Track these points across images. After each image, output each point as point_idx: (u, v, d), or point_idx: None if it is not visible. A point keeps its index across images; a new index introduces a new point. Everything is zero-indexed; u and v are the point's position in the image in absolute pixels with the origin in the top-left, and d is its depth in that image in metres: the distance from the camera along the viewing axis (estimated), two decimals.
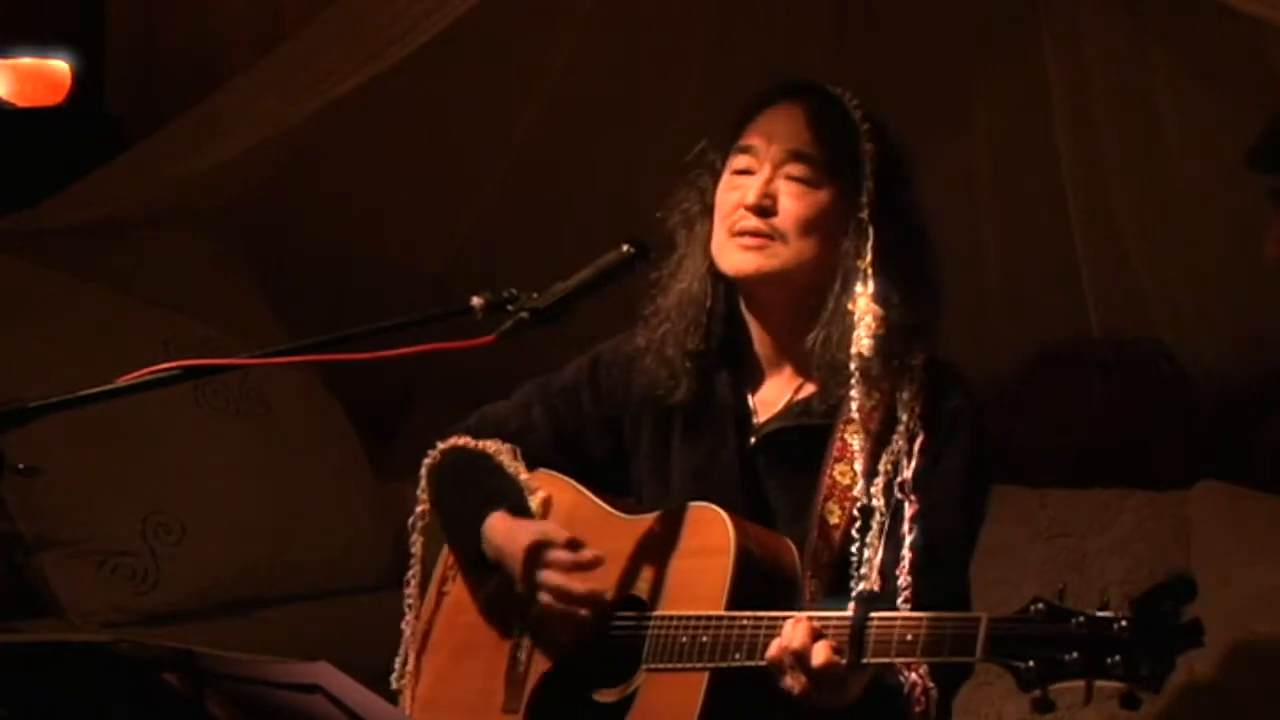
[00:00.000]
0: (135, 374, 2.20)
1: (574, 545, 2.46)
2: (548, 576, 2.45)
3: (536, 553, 2.46)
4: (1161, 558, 3.53)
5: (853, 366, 2.43)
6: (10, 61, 4.12)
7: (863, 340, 2.42)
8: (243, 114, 3.85)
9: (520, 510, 2.55)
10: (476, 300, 2.34)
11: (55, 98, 4.14)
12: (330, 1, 3.81)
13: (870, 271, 2.43)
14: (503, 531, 2.52)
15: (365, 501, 3.89)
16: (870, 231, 2.44)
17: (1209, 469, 3.69)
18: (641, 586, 2.46)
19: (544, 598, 2.45)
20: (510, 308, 2.34)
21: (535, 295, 2.36)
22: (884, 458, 2.43)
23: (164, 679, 1.98)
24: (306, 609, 3.73)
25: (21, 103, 4.12)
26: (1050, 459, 3.92)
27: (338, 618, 3.60)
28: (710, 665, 2.33)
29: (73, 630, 3.51)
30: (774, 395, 2.55)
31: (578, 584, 2.43)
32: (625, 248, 2.46)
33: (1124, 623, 2.01)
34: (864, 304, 2.42)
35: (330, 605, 3.69)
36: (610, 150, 4.02)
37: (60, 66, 4.15)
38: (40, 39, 4.13)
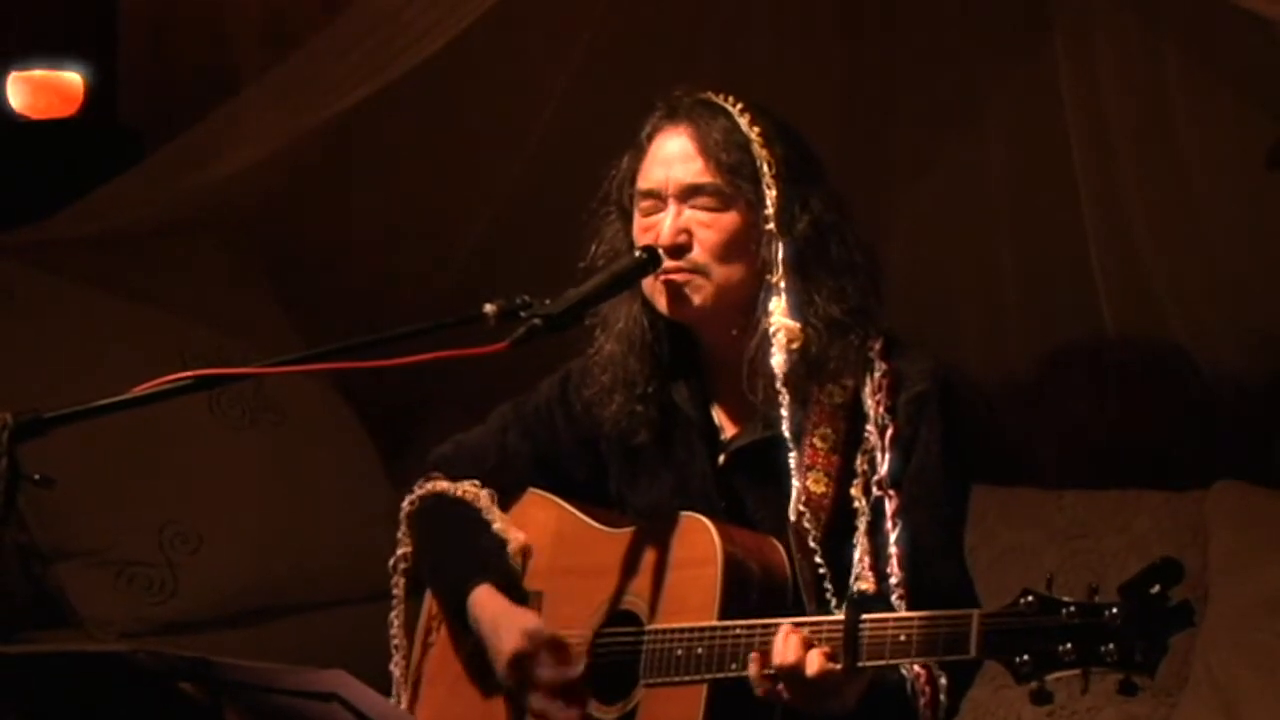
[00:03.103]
0: (150, 384, 2.21)
1: (555, 647, 2.44)
2: (534, 701, 2.44)
3: (520, 665, 2.44)
4: (1179, 558, 3.52)
5: (778, 385, 2.40)
6: (23, 74, 4.13)
7: (777, 357, 2.39)
8: (255, 124, 3.85)
9: (504, 571, 2.54)
10: (489, 307, 2.34)
11: (68, 109, 4.16)
12: (342, 10, 3.82)
13: (782, 285, 2.41)
14: (487, 617, 2.50)
15: (381, 509, 3.88)
16: (778, 242, 2.41)
17: (1226, 469, 3.68)
18: (633, 601, 2.45)
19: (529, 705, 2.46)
20: (523, 314, 2.33)
21: (548, 302, 2.35)
22: (858, 457, 2.40)
23: (181, 688, 1.99)
24: (323, 617, 3.74)
25: (35, 115, 4.13)
26: (1066, 460, 3.92)
27: (354, 626, 3.60)
28: (708, 677, 2.32)
29: (90, 640, 3.52)
30: (735, 406, 2.52)
31: (559, 713, 2.43)
32: (638, 253, 2.46)
33: (1114, 609, 2.02)
34: (777, 320, 2.40)
35: (346, 613, 3.69)
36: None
37: (73, 78, 4.16)
38: (53, 51, 4.14)
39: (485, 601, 2.52)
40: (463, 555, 2.58)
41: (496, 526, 2.59)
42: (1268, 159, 2.95)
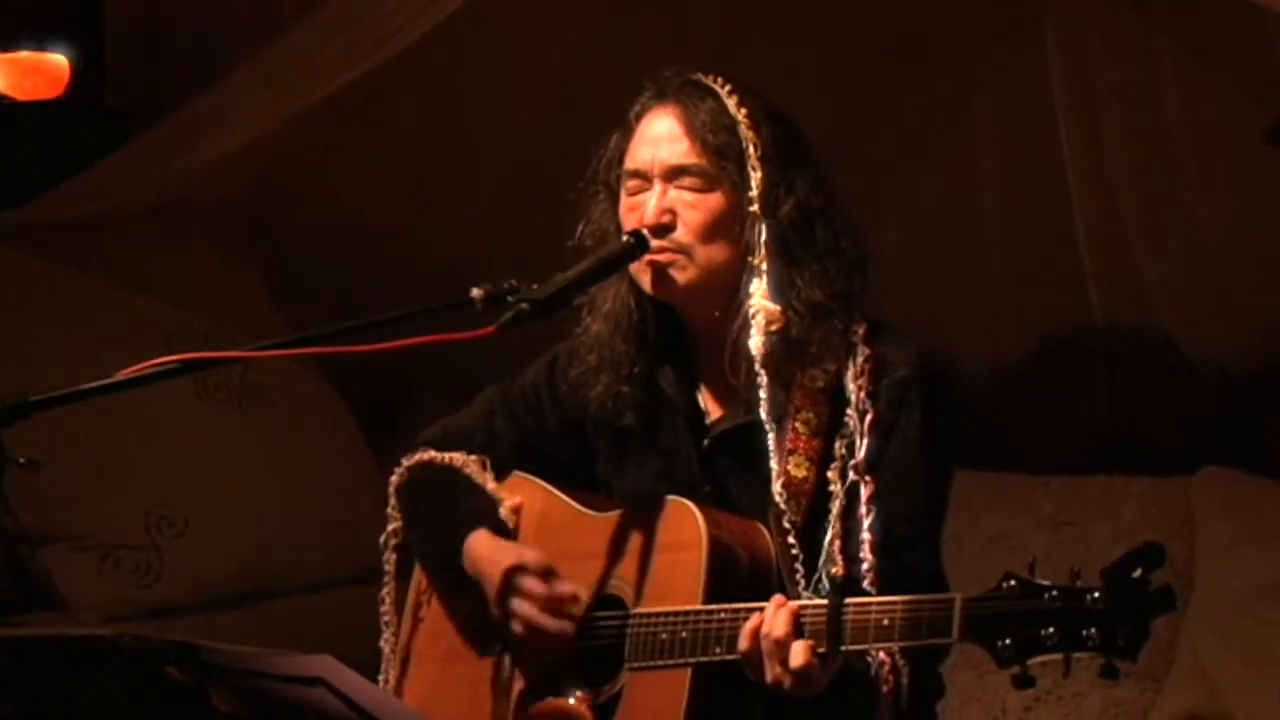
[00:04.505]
0: (136, 367, 2.21)
1: (548, 574, 2.44)
2: (519, 606, 2.44)
3: (512, 578, 2.45)
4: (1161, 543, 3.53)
5: (756, 366, 2.40)
6: (9, 55, 4.12)
7: (755, 339, 2.40)
8: (243, 107, 3.84)
9: (497, 524, 2.55)
10: (476, 291, 2.34)
11: (54, 91, 4.14)
12: None
13: (764, 266, 2.41)
14: (485, 554, 2.50)
15: (367, 494, 3.87)
16: (761, 224, 2.42)
17: (1212, 456, 3.69)
18: (618, 585, 2.45)
19: (515, 626, 2.45)
20: (510, 299, 2.33)
21: (535, 286, 2.35)
22: (837, 441, 2.40)
23: (167, 672, 1.98)
24: (309, 601, 3.74)
25: (21, 96, 4.11)
26: (1054, 447, 3.92)
27: (340, 610, 3.60)
28: (692, 660, 2.32)
29: (76, 624, 3.52)
30: (720, 390, 2.52)
31: (547, 620, 2.43)
32: (625, 238, 2.46)
33: (1096, 594, 2.03)
34: (757, 301, 2.40)
35: (333, 597, 3.69)
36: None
37: (59, 60, 4.15)
38: (39, 32, 4.13)
39: (484, 541, 2.51)
40: (456, 513, 2.58)
41: (490, 488, 2.59)
42: (1266, 136, 2.97)
